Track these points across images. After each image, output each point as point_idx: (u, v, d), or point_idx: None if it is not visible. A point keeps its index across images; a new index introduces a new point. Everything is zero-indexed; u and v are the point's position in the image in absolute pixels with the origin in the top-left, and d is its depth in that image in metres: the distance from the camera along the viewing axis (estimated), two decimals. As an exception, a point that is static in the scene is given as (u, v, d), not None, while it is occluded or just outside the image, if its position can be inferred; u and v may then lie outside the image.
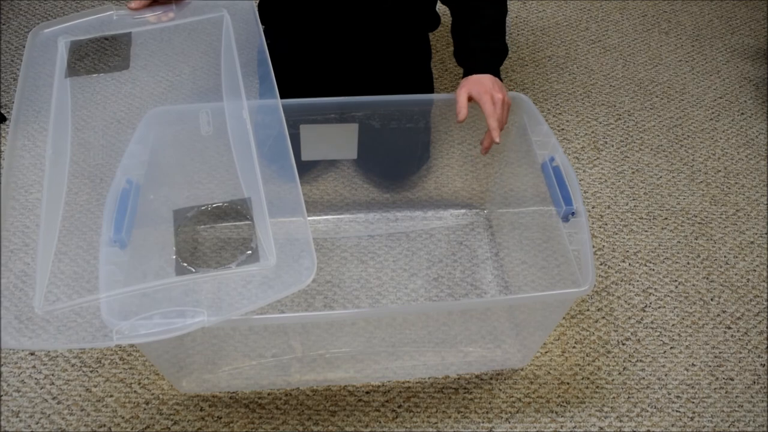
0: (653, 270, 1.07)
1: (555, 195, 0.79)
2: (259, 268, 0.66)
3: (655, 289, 1.05)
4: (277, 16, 1.01)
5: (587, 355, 0.97)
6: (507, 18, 0.96)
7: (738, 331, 1.01)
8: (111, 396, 0.89)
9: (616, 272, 1.07)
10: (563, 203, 0.77)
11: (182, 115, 0.90)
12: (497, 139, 0.84)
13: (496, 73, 0.89)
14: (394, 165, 1.08)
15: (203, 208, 0.83)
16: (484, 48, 0.90)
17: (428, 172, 1.10)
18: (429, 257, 1.06)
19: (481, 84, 0.86)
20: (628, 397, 0.93)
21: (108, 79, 1.30)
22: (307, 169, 1.09)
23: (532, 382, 0.93)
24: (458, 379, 0.93)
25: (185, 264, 0.72)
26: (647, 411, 0.92)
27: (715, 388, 0.94)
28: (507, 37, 1.50)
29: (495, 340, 0.94)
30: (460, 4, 0.93)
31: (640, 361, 0.96)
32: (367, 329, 0.87)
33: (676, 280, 1.06)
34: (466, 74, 0.90)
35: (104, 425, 0.87)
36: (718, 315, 1.02)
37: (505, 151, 1.00)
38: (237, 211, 0.78)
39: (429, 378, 0.93)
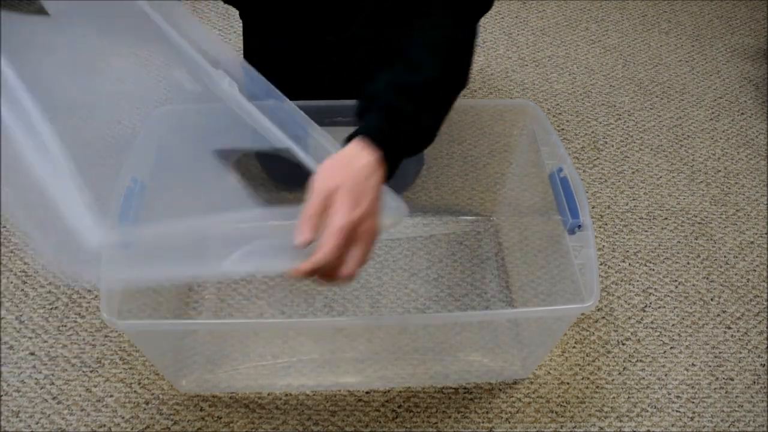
0: (653, 270, 1.07)
1: (562, 207, 0.79)
2: None
3: (655, 289, 1.05)
4: (272, 13, 0.99)
5: (587, 355, 0.97)
6: (476, 58, 0.70)
7: (738, 331, 1.01)
8: (111, 396, 0.89)
9: (616, 272, 1.07)
10: (570, 216, 0.77)
11: (189, 115, 0.90)
12: (288, 276, 0.51)
13: (393, 155, 0.52)
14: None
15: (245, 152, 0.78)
16: (397, 95, 0.53)
17: (428, 174, 1.10)
18: (429, 257, 1.06)
19: (346, 177, 0.49)
20: (628, 397, 0.93)
21: (107, 78, 1.30)
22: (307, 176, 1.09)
23: (532, 382, 0.93)
24: (458, 379, 0.93)
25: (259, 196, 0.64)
26: (647, 411, 0.92)
27: (715, 388, 0.94)
28: (507, 37, 1.50)
29: (496, 348, 0.94)
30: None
31: (640, 361, 0.97)
32: (366, 331, 0.88)
33: (676, 280, 1.06)
34: (348, 139, 0.55)
35: (104, 425, 0.87)
36: (718, 315, 1.02)
37: (513, 159, 1.00)
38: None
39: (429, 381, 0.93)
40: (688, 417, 0.91)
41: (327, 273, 0.49)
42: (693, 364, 0.97)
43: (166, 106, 0.90)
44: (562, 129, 1.28)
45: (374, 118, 0.53)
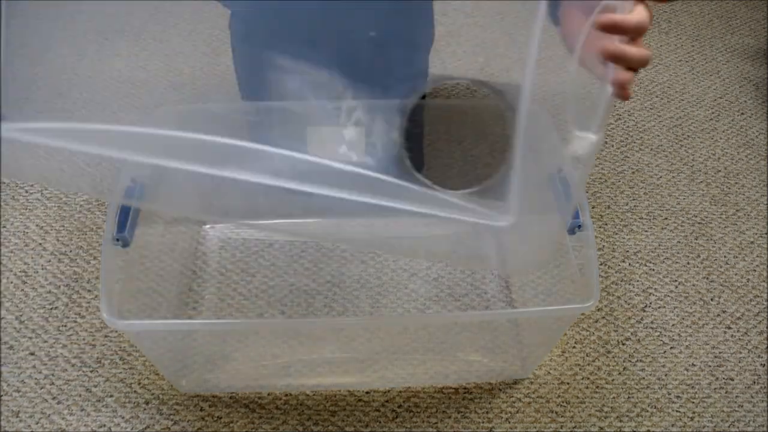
0: (653, 270, 1.07)
1: (562, 207, 0.79)
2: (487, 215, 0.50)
3: (655, 289, 1.05)
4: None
5: (587, 355, 0.97)
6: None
7: (738, 331, 1.01)
8: (111, 396, 0.89)
9: (616, 272, 1.07)
10: (570, 216, 0.77)
11: (188, 115, 0.90)
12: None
13: None
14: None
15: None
16: None
17: (429, 174, 1.09)
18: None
19: None
20: (628, 397, 0.93)
21: (108, 79, 1.30)
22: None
23: (532, 382, 0.93)
24: (458, 379, 0.93)
25: (413, 166, 0.55)
26: (647, 411, 0.92)
27: (715, 388, 0.94)
28: (507, 37, 1.50)
29: (496, 349, 0.94)
30: None
31: (640, 361, 0.97)
32: (366, 331, 0.88)
33: (676, 280, 1.06)
34: None
35: (104, 425, 0.87)
36: (718, 315, 1.02)
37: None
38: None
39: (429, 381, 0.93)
40: (688, 417, 0.91)
41: (638, 37, 0.51)
42: (693, 364, 0.97)
43: (166, 106, 0.90)
44: (562, 129, 1.28)
45: None
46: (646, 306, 1.03)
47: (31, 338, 0.94)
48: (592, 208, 1.16)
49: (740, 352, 0.98)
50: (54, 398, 0.89)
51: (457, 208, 0.51)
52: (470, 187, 0.53)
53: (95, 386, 0.90)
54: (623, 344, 0.98)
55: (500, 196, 0.50)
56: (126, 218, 0.73)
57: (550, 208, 0.79)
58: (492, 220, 0.50)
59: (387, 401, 0.91)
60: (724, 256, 1.10)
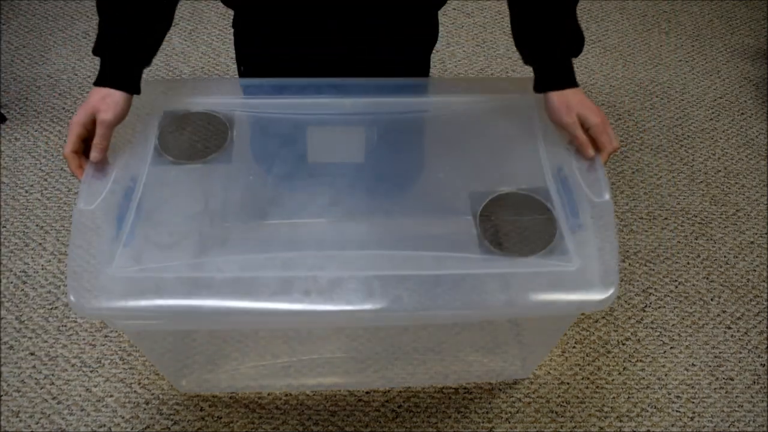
0: (653, 270, 1.07)
1: (562, 207, 0.79)
2: (562, 265, 0.69)
3: (655, 289, 1.05)
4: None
5: (587, 355, 0.97)
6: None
7: (738, 331, 1.01)
8: (111, 396, 0.89)
9: (616, 272, 1.07)
10: (570, 215, 0.77)
11: (189, 117, 0.90)
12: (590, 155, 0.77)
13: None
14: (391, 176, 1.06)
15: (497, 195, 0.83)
16: (566, 53, 0.80)
17: (428, 174, 1.09)
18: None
19: (582, 106, 0.77)
20: (628, 397, 0.93)
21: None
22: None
23: (532, 382, 0.93)
24: (458, 379, 0.93)
25: (491, 245, 0.73)
26: (647, 411, 0.92)
27: (715, 388, 0.94)
28: (507, 37, 1.50)
29: (496, 349, 0.94)
30: None
31: (640, 361, 0.97)
32: (366, 331, 0.87)
33: (676, 280, 1.06)
34: (546, 84, 0.80)
35: (104, 425, 0.87)
36: (718, 315, 1.02)
37: (514, 158, 0.99)
38: (533, 202, 0.80)
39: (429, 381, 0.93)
40: (688, 417, 0.91)
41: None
42: (693, 364, 0.97)
43: (166, 107, 0.90)
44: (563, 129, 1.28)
45: (566, 71, 0.80)
46: (646, 306, 1.03)
47: (31, 338, 0.94)
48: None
49: (740, 352, 0.98)
50: (54, 398, 0.89)
51: (538, 265, 0.71)
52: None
53: (95, 386, 0.90)
54: (623, 344, 0.98)
55: (558, 254, 0.72)
56: (125, 219, 0.72)
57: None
58: (566, 267, 0.70)
59: (387, 401, 0.91)
60: (724, 256, 1.10)
